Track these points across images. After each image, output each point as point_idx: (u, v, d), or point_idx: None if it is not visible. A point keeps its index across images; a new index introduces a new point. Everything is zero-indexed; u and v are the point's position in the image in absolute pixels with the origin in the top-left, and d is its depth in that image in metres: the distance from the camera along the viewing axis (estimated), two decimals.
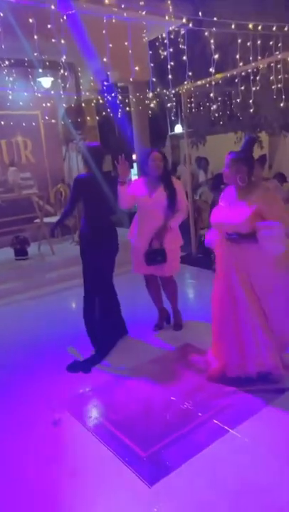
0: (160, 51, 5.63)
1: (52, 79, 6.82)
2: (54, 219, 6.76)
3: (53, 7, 3.87)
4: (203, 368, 3.09)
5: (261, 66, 4.82)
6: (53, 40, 4.22)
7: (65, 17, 4.07)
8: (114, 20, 5.04)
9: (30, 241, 6.21)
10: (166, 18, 4.85)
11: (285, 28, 4.65)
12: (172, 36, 5.29)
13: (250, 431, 2.40)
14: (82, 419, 2.68)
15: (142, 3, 5.71)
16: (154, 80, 5.30)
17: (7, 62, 5.75)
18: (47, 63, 6.00)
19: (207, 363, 3.07)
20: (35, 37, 4.07)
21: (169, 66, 4.54)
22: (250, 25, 4.25)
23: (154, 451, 2.32)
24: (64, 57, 4.60)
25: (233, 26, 4.43)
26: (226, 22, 4.36)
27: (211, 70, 4.59)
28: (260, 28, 4.38)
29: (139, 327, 3.94)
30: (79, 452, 2.40)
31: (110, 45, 4.81)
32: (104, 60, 5.51)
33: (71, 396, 2.95)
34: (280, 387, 2.77)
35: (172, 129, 12.05)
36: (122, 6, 5.36)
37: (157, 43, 5.77)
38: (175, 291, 3.81)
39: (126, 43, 5.06)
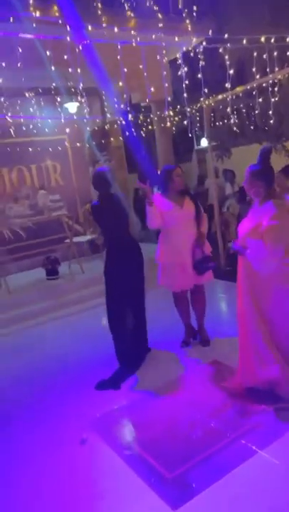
0: (181, 69, 5.75)
1: (78, 104, 7.08)
2: (84, 238, 6.95)
3: (68, 38, 4.05)
4: (230, 385, 3.01)
5: (279, 77, 4.78)
6: (70, 70, 4.41)
7: (80, 47, 4.24)
8: (134, 44, 5.22)
9: (61, 260, 6.39)
10: (176, 39, 4.94)
11: None
12: (192, 54, 5.38)
13: (280, 452, 2.30)
14: (108, 439, 2.67)
15: (160, 25, 5.89)
16: (172, 98, 5.39)
17: (33, 93, 6.03)
18: (72, 89, 6.25)
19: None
20: (53, 67, 4.27)
21: (183, 84, 4.62)
22: (262, 39, 4.25)
23: (179, 472, 2.27)
24: (81, 84, 4.76)
25: (244, 41, 4.46)
26: (241, 38, 4.38)
27: (226, 85, 4.60)
28: (272, 40, 4.37)
29: (165, 344, 3.91)
30: (104, 472, 2.39)
31: (129, 69, 4.97)
32: (125, 82, 5.70)
33: (99, 415, 2.95)
34: None
35: (198, 143, 12.10)
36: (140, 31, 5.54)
37: (178, 61, 5.89)
38: (205, 304, 3.81)
39: (145, 65, 5.20)
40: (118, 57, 4.61)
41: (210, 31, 5.35)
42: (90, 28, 4.72)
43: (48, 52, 4.36)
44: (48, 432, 2.84)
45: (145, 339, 3.77)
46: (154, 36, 5.27)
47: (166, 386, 3.21)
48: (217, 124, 7.56)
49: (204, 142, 11.24)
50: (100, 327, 4.81)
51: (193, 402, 2.94)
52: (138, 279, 3.61)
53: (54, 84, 5.28)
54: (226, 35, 4.66)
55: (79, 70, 4.43)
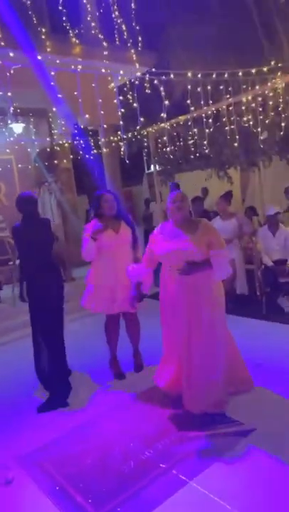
0: (128, 96, 5.91)
1: (23, 125, 7.00)
2: None
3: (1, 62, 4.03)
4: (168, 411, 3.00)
5: (214, 109, 5.05)
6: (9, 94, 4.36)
7: (12, 71, 4.23)
8: (79, 68, 5.30)
9: (4, 283, 6.13)
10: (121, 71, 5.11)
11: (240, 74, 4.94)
12: (137, 82, 5.54)
13: (208, 481, 2.28)
14: (36, 477, 2.52)
15: (106, 52, 6.04)
16: (119, 123, 5.50)
17: None
18: (18, 110, 6.19)
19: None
20: None
21: (119, 112, 4.75)
22: (189, 74, 4.51)
23: (107, 510, 2.17)
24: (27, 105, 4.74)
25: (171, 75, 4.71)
26: (178, 72, 4.61)
27: (162, 115, 4.78)
28: (214, 75, 4.65)
29: (99, 369, 3.82)
30: None
31: (78, 92, 5.02)
32: (74, 105, 5.74)
33: (27, 451, 2.79)
34: (243, 430, 2.67)
35: (148, 168, 12.37)
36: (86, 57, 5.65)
37: (125, 88, 6.05)
38: (139, 329, 3.77)
39: (93, 90, 5.29)
40: (58, 82, 4.63)
41: (152, 63, 5.56)
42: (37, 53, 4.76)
43: None
44: None
45: (64, 359, 3.66)
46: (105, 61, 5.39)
47: (101, 415, 3.12)
48: (164, 149, 7.79)
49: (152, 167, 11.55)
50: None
51: (127, 431, 2.86)
52: (58, 300, 3.59)
53: None
54: (157, 69, 4.88)
55: (9, 93, 4.38)
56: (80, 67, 5.42)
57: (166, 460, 2.50)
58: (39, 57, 4.81)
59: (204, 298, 2.86)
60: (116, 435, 2.83)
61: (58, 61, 5.30)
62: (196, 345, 2.86)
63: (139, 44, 6.41)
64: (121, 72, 5.58)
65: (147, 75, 5.24)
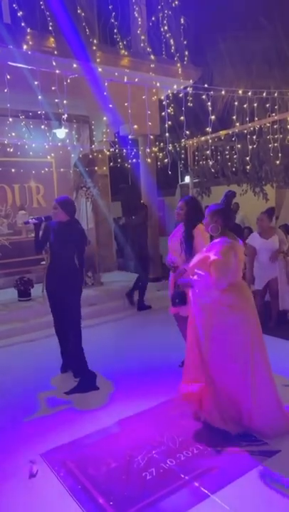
0: (165, 110, 6.02)
1: (66, 130, 7.22)
2: None
3: (58, 71, 4.21)
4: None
5: (258, 125, 5.06)
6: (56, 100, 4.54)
7: (68, 80, 4.41)
8: (126, 79, 5.45)
9: (36, 282, 6.30)
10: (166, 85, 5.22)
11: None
12: (181, 95, 5.63)
13: (231, 497, 2.26)
14: (60, 473, 2.58)
15: (152, 65, 6.18)
16: (160, 133, 5.60)
17: (23, 116, 6.14)
18: (63, 117, 6.41)
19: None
20: (40, 96, 4.43)
21: (166, 125, 4.85)
22: (250, 93, 4.54)
23: None
24: (71, 111, 4.92)
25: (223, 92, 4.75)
26: (224, 89, 4.66)
27: (207, 129, 4.83)
28: (249, 93, 4.67)
29: (137, 372, 3.86)
30: (52, 510, 2.29)
31: (129, 103, 5.16)
32: (120, 115, 5.91)
33: (52, 447, 2.85)
34: (267, 450, 2.64)
35: (182, 179, 12.42)
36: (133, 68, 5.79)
37: (168, 100, 6.16)
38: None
39: (138, 100, 5.43)
40: (107, 91, 4.78)
41: (197, 77, 5.64)
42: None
43: (36, 82, 4.51)
44: None
45: (75, 360, 3.92)
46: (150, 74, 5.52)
47: (123, 420, 3.15)
48: (201, 163, 7.83)
49: (188, 179, 11.57)
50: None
51: (150, 438, 2.88)
52: (67, 305, 3.81)
53: (43, 111, 5.41)
54: (206, 85, 4.95)
55: (65, 102, 4.57)
56: (126, 78, 5.58)
57: (189, 471, 2.50)
58: (93, 68, 5.00)
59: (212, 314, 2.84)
60: (139, 442, 2.85)
61: (106, 71, 5.49)
62: (213, 363, 2.85)
63: (185, 58, 6.53)
64: (167, 85, 5.70)
65: (190, 89, 5.32)
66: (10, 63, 4.33)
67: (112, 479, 2.49)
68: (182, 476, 2.47)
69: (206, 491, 2.32)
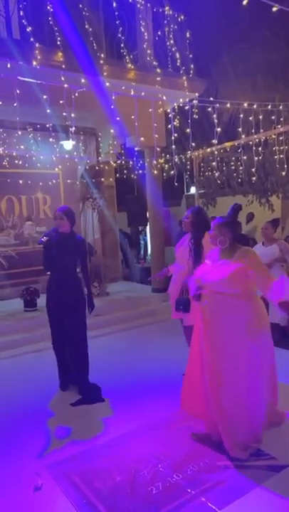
0: (176, 120, 6.09)
1: (74, 142, 7.32)
2: None
3: (66, 86, 4.29)
4: (200, 436, 2.96)
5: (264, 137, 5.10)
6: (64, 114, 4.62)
7: (76, 94, 4.49)
8: (132, 92, 5.53)
9: (42, 292, 6.29)
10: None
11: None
12: (186, 107, 5.69)
13: None
14: (64, 487, 2.55)
15: (158, 78, 6.27)
16: (167, 145, 5.66)
17: (31, 128, 6.23)
18: (70, 128, 6.50)
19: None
20: (48, 110, 4.51)
21: (172, 137, 4.91)
22: (255, 106, 4.59)
23: None
24: (78, 123, 4.99)
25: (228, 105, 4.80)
26: (230, 102, 4.71)
27: (213, 141, 4.87)
28: (254, 106, 4.72)
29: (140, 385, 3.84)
30: None
31: (136, 115, 5.24)
32: (127, 127, 5.99)
33: (58, 460, 2.83)
34: (274, 465, 2.60)
35: (188, 190, 12.50)
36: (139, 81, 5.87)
37: (173, 113, 6.24)
38: None
39: (144, 113, 5.50)
40: (114, 104, 4.86)
41: (202, 90, 5.70)
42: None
43: (44, 96, 4.60)
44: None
45: (83, 373, 3.88)
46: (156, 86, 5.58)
47: (129, 433, 3.12)
48: (206, 173, 7.87)
49: (193, 189, 11.63)
50: None
51: (156, 452, 2.85)
52: (75, 316, 3.82)
53: (51, 124, 5.50)
54: (211, 98, 5.01)
55: (73, 115, 4.64)
56: (132, 91, 5.66)
57: (195, 486, 2.46)
58: (100, 81, 5.08)
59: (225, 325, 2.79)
60: (145, 456, 2.81)
61: (113, 84, 5.57)
62: (222, 376, 2.79)
63: (191, 71, 6.61)
64: (173, 97, 5.77)
65: (195, 102, 5.38)
66: (19, 78, 4.42)
67: (117, 493, 2.46)
68: (189, 490, 2.44)
69: (214, 507, 2.28)
